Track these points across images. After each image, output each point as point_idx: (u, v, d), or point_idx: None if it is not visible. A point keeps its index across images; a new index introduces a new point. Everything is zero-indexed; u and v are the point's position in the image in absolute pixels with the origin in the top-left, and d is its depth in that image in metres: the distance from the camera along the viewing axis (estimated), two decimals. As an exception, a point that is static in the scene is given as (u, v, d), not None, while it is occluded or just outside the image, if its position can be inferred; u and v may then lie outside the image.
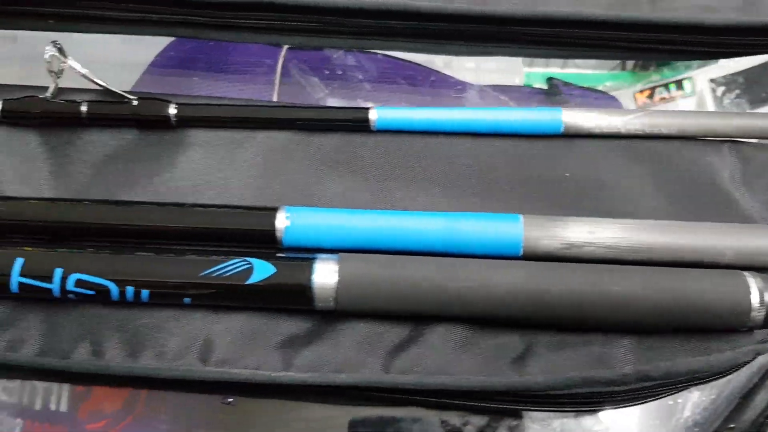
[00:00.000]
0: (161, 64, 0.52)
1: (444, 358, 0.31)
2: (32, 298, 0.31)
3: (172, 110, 0.35)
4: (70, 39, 0.51)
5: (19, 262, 0.31)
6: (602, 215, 0.33)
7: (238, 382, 0.30)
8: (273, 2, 0.37)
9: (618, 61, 0.54)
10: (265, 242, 0.32)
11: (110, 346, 0.31)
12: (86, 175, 0.35)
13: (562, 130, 0.35)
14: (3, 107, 0.35)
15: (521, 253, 0.32)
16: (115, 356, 0.31)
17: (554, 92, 0.52)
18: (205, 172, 0.35)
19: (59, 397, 0.37)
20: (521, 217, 0.32)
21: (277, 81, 0.51)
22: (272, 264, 0.31)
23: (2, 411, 0.37)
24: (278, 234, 0.32)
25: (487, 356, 0.31)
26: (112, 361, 0.31)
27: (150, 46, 0.53)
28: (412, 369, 0.30)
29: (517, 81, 0.53)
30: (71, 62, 0.35)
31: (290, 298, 0.31)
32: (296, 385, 0.31)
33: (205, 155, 0.36)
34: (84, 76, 0.34)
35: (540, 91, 0.52)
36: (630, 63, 0.54)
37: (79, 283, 0.30)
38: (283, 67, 0.52)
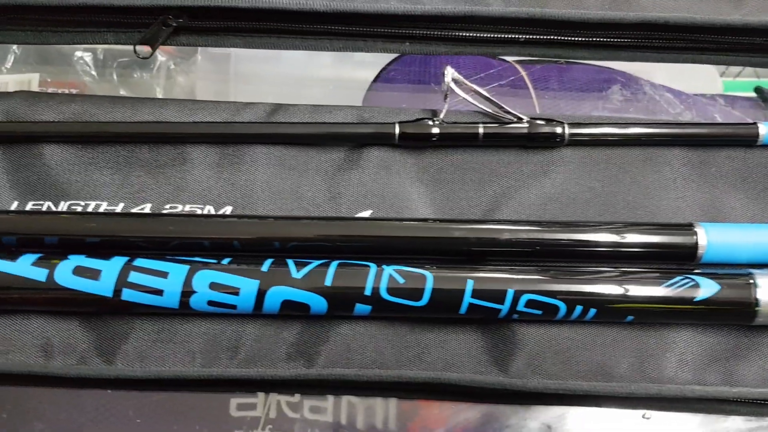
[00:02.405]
0: (387, 79, 0.53)
1: None
2: (477, 318, 0.32)
3: (565, 129, 0.36)
4: (279, 56, 0.52)
5: (470, 284, 0.31)
6: None
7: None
8: (510, 16, 0.36)
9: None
10: (683, 259, 0.33)
11: (547, 364, 0.32)
12: (480, 196, 0.36)
13: None
14: (400, 131, 0.36)
15: None
16: (555, 375, 0.32)
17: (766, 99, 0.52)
18: (584, 189, 0.36)
19: (386, 415, 0.38)
20: None
21: (533, 94, 0.52)
22: (715, 281, 0.31)
23: (314, 429, 0.37)
24: (700, 251, 0.33)
25: None
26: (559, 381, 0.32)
27: (361, 64, 0.54)
28: None
29: (717, 89, 0.53)
30: (457, 84, 0.35)
31: (733, 314, 0.32)
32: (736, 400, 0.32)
33: (586, 172, 0.36)
34: (481, 95, 0.35)
35: (745, 98, 0.52)
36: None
37: (529, 303, 0.31)
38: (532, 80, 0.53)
